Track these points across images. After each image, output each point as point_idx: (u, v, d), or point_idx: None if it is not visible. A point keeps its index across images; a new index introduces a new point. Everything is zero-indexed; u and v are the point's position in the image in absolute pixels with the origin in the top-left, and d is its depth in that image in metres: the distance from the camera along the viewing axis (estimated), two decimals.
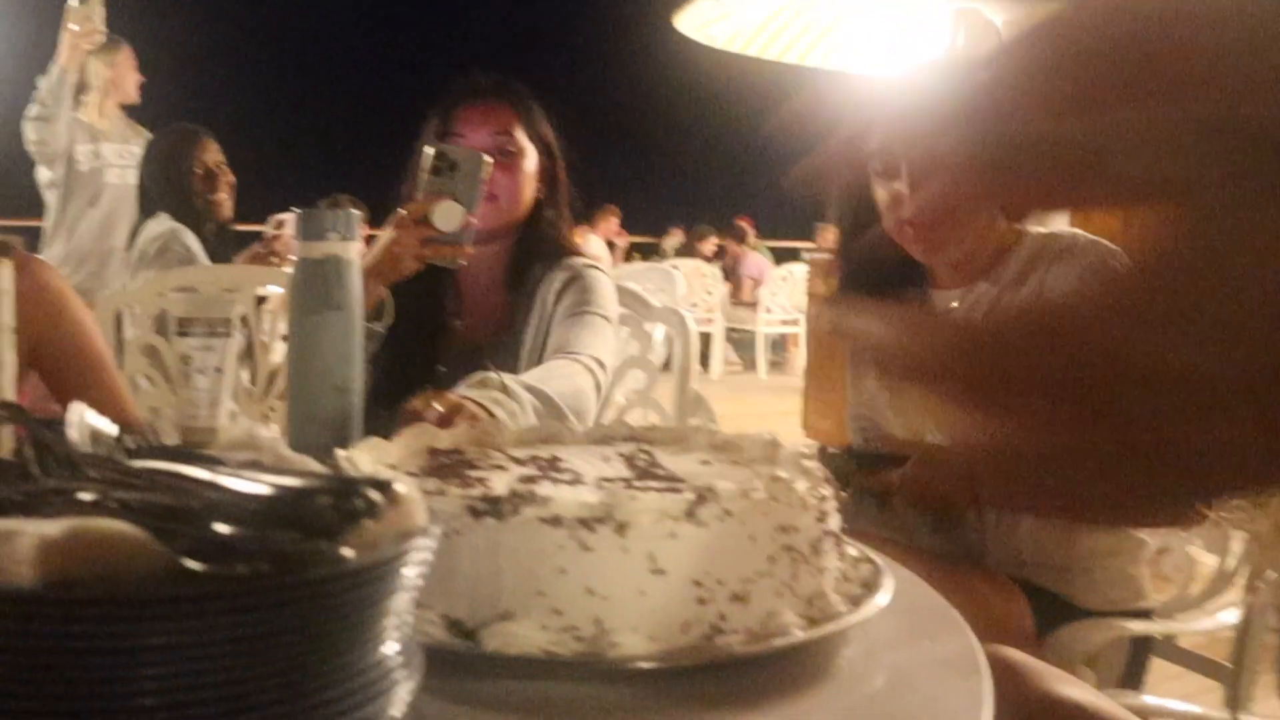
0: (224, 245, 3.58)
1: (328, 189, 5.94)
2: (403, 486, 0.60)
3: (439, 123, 1.92)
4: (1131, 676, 1.67)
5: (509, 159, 1.89)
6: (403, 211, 1.73)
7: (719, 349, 10.83)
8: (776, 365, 10.95)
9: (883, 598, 0.88)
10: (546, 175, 1.97)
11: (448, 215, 1.72)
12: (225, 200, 3.62)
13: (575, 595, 0.77)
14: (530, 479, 0.90)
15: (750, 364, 10.83)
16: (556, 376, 1.74)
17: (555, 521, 0.77)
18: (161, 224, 3.46)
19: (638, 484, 0.87)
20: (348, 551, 0.56)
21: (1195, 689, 2.72)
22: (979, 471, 0.31)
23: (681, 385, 2.55)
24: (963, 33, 6.75)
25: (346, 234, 1.45)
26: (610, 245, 12.87)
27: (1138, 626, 1.58)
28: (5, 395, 1.44)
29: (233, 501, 0.57)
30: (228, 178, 3.65)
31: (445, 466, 0.96)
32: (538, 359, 1.92)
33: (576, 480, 0.91)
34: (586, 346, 1.94)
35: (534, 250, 1.95)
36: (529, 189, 1.93)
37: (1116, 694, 1.52)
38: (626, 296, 2.54)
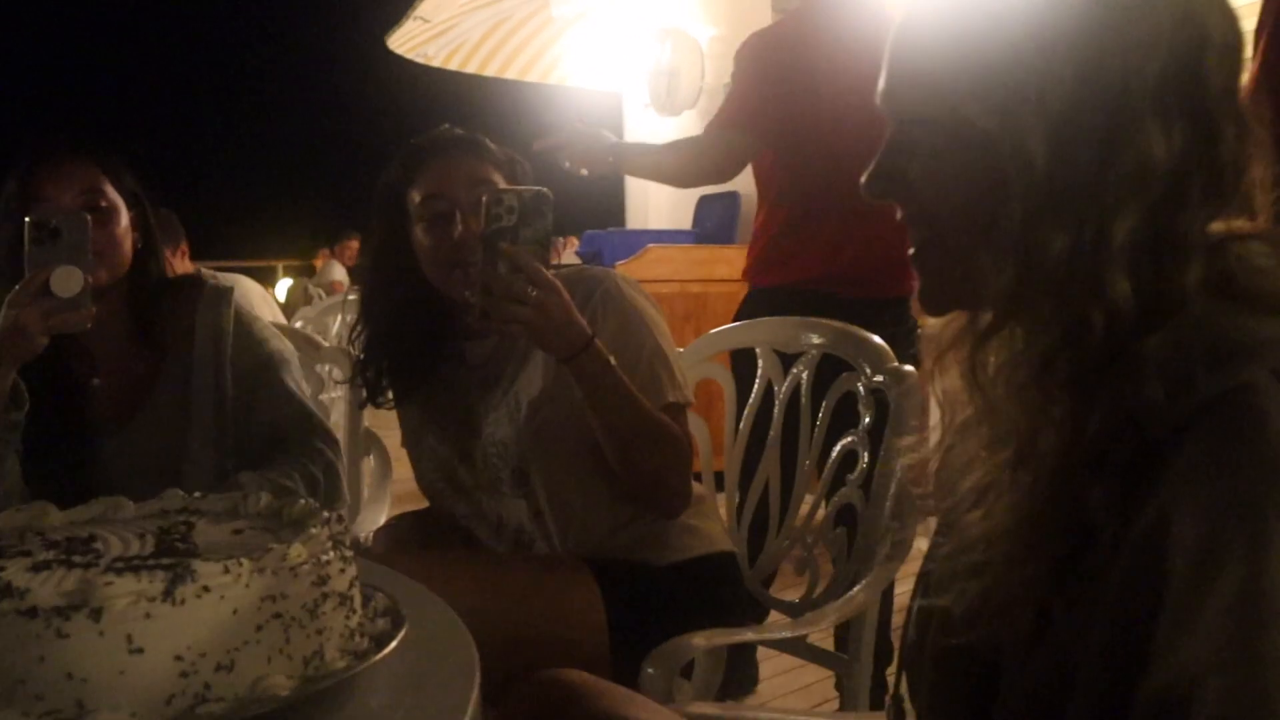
0: None
1: None
2: None
3: (18, 186, 1.86)
4: (734, 682, 1.78)
5: (102, 215, 1.86)
6: (17, 290, 1.68)
7: None
8: None
9: (390, 649, 0.96)
10: (140, 225, 1.95)
11: (66, 281, 1.68)
12: None
13: (55, 680, 0.82)
14: (45, 564, 0.94)
15: None
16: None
17: (32, 612, 0.82)
18: None
19: (129, 567, 0.91)
20: None
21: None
22: None
23: (353, 428, 2.61)
24: (668, 49, 7.00)
25: None
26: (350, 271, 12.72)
27: (711, 637, 1.67)
28: None
29: None
30: None
31: None
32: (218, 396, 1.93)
33: (91, 563, 0.95)
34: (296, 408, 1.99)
35: (150, 299, 1.96)
36: (126, 243, 1.90)
37: (711, 707, 1.62)
38: (297, 339, 2.57)
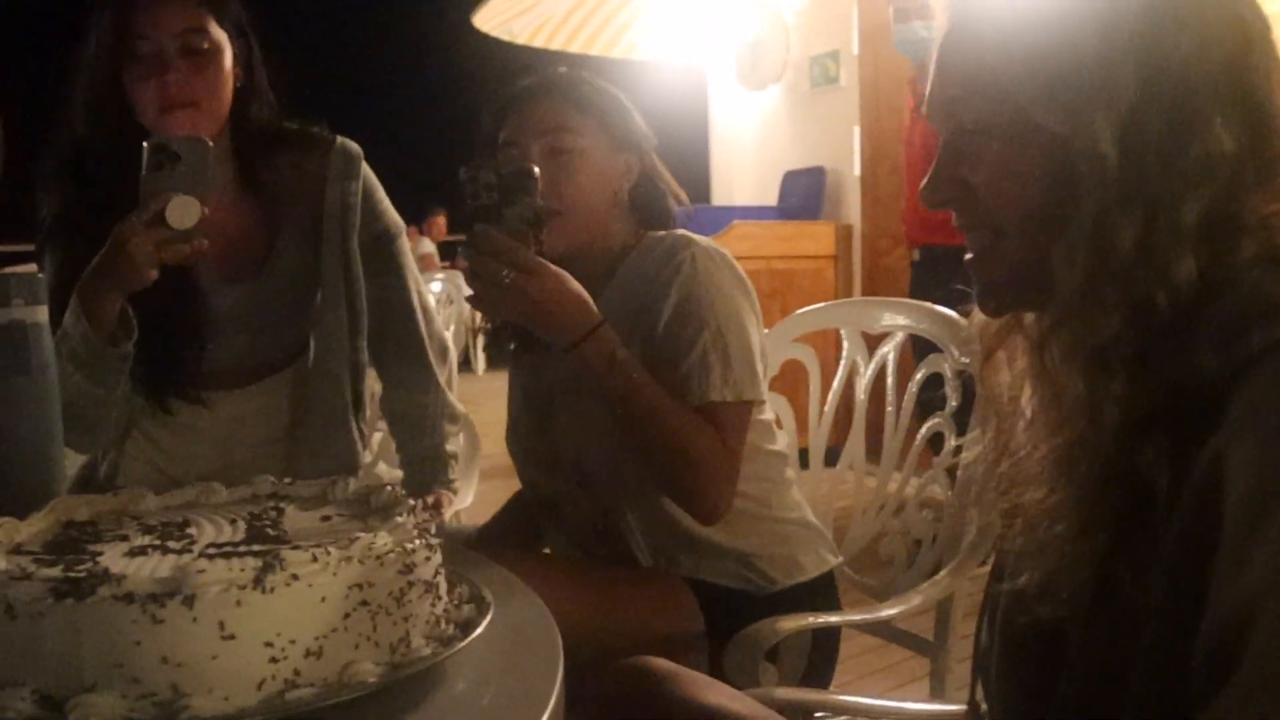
0: None
1: None
2: None
3: (112, 21, 1.74)
4: (818, 668, 1.76)
5: (203, 57, 1.76)
6: (131, 218, 1.57)
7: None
8: None
9: (475, 635, 0.98)
10: (243, 61, 1.85)
11: (183, 212, 1.58)
12: None
13: (151, 664, 0.84)
14: (141, 550, 0.97)
15: None
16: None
17: (128, 598, 0.84)
18: None
19: (221, 554, 0.94)
20: None
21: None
22: None
23: None
24: (752, 23, 6.94)
25: (31, 298, 1.47)
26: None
27: (798, 621, 1.67)
28: None
29: None
30: None
31: (65, 541, 1.02)
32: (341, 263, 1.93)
33: (185, 549, 0.98)
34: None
35: (257, 147, 1.90)
36: (229, 86, 1.82)
37: (795, 691, 1.62)
38: None
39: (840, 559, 1.91)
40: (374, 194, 2.02)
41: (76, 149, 1.81)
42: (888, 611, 1.75)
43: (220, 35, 1.80)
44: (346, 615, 0.90)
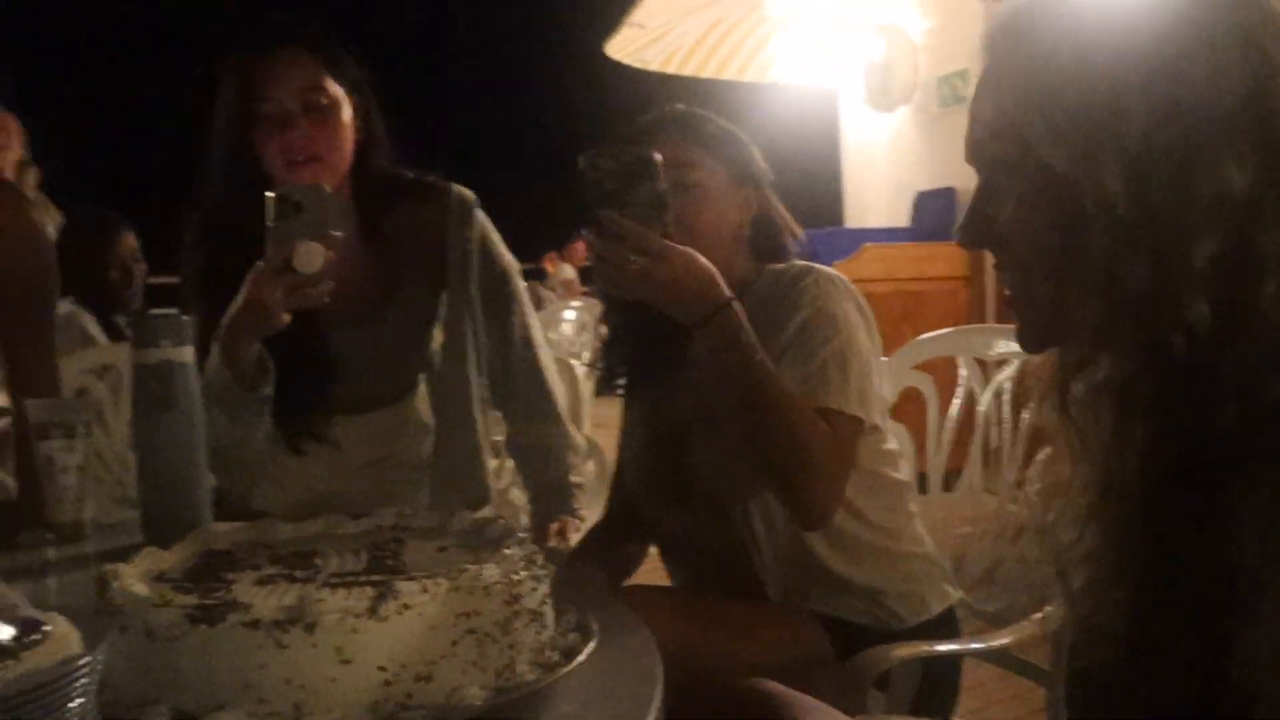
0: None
1: None
2: (60, 626, 0.75)
3: (236, 83, 1.86)
4: (930, 697, 1.75)
5: (323, 113, 1.87)
6: (261, 266, 1.67)
7: None
8: None
9: (578, 662, 1.03)
10: (361, 114, 1.95)
11: (308, 257, 1.67)
12: (137, 296, 3.75)
13: (276, 686, 0.92)
14: (270, 579, 1.05)
15: None
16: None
17: (255, 624, 0.92)
18: (63, 307, 3.60)
19: (342, 583, 1.01)
20: None
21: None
22: None
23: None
24: (882, 44, 6.93)
25: (177, 339, 1.58)
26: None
27: (911, 649, 1.68)
28: None
29: None
30: (142, 270, 3.78)
31: (204, 569, 1.11)
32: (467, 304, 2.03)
33: (310, 578, 1.05)
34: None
35: (378, 196, 2.00)
36: (350, 140, 1.92)
37: None
38: None
39: (960, 593, 1.90)
40: (489, 238, 2.10)
41: (214, 207, 1.93)
42: (998, 641, 1.75)
43: (338, 91, 1.91)
44: (454, 642, 0.97)
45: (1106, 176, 0.84)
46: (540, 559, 1.10)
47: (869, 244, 5.88)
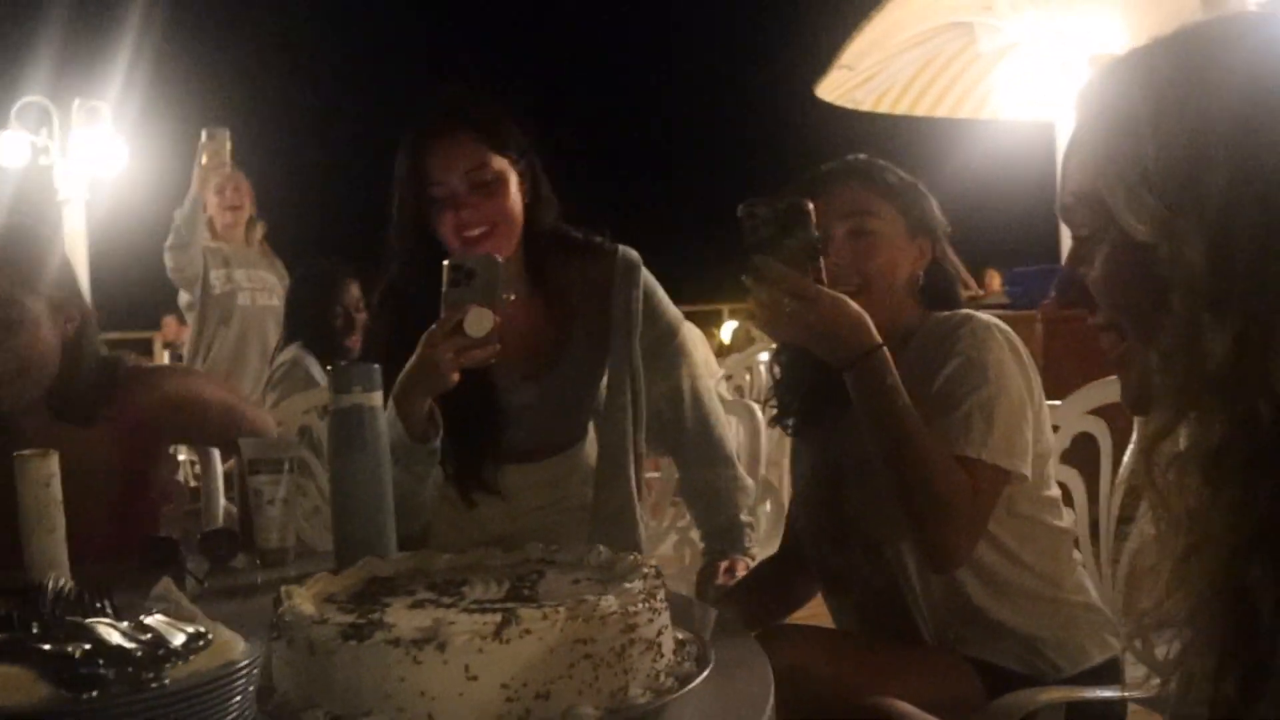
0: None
1: None
2: (222, 634, 0.90)
3: (408, 169, 2.03)
4: None
5: (489, 188, 2.01)
6: (434, 329, 1.81)
7: None
8: None
9: (689, 689, 1.12)
10: (528, 179, 2.08)
11: (479, 321, 1.80)
12: (357, 342, 4.03)
13: (412, 697, 1.04)
14: (420, 603, 1.19)
15: None
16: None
17: (396, 642, 1.05)
18: (291, 351, 3.91)
19: (478, 609, 1.13)
20: (165, 680, 0.85)
21: None
22: None
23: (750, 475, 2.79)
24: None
25: (368, 386, 1.75)
26: None
27: (1059, 693, 1.69)
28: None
29: (100, 651, 0.87)
30: (362, 318, 4.06)
31: (367, 594, 1.25)
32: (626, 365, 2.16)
33: (454, 603, 1.18)
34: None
35: (544, 250, 2.14)
36: (518, 206, 2.06)
37: None
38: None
39: (1123, 644, 1.87)
40: (654, 296, 2.24)
41: (395, 276, 2.12)
42: (1142, 692, 1.74)
43: (502, 164, 2.06)
44: (571, 665, 1.07)
45: (1186, 245, 0.84)
46: (661, 593, 1.20)
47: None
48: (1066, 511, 1.95)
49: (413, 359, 1.85)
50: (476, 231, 2.03)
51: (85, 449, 1.99)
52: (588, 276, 2.19)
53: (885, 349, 1.66)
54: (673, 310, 2.29)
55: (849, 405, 1.81)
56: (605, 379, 2.21)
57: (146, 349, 11.19)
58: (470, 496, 2.15)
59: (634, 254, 2.22)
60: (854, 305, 1.65)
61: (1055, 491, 1.90)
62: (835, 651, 1.79)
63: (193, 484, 2.92)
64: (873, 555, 1.86)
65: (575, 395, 2.21)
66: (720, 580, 2.16)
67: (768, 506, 2.85)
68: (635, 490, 2.23)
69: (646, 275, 2.23)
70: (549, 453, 2.24)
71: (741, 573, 2.20)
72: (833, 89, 7.92)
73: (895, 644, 1.86)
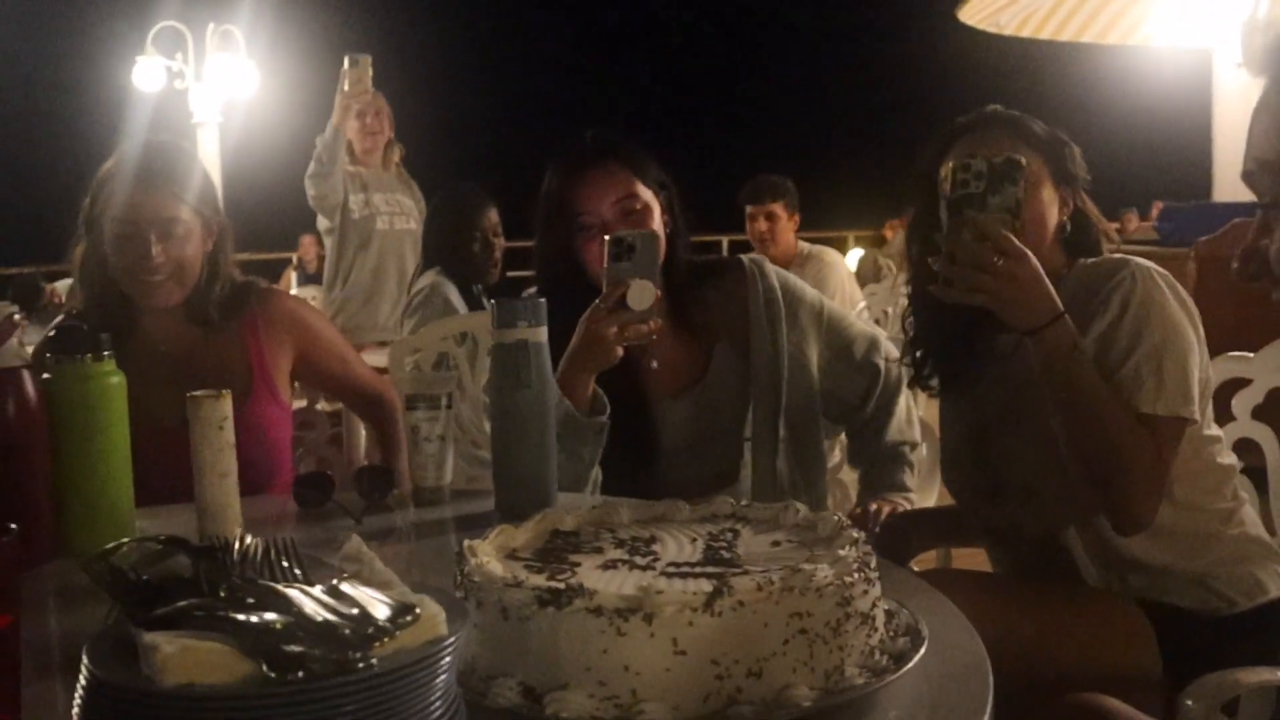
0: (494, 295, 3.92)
1: None
2: (429, 607, 0.82)
3: (556, 200, 2.07)
4: None
5: (636, 216, 2.04)
6: (597, 304, 1.86)
7: None
8: None
9: (907, 669, 1.03)
10: (668, 209, 2.11)
11: (641, 295, 1.84)
12: (495, 267, 3.99)
13: (615, 671, 0.96)
14: (612, 563, 1.10)
15: None
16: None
17: (598, 611, 0.97)
18: (429, 277, 3.86)
19: (679, 573, 1.04)
20: (373, 660, 0.77)
21: None
22: None
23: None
24: (1263, 3, 6.39)
25: (534, 320, 1.69)
26: None
27: (1263, 675, 1.56)
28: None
29: (303, 625, 0.80)
30: (501, 244, 4.02)
31: (553, 550, 1.17)
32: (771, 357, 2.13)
33: (650, 565, 1.10)
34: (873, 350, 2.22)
35: (686, 282, 2.15)
36: (661, 235, 2.06)
37: None
38: None
39: None
40: (787, 281, 2.21)
41: (544, 293, 2.06)
42: None
43: (647, 194, 2.09)
44: (786, 641, 0.98)
45: None
46: (873, 561, 1.10)
47: (1238, 220, 5.45)
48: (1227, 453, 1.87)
49: (575, 336, 1.87)
50: None
51: (214, 350, 2.20)
52: (723, 289, 2.19)
53: (1068, 315, 1.62)
54: (810, 289, 2.26)
55: (991, 362, 1.86)
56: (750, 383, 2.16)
57: (275, 271, 11.39)
58: None
59: (758, 257, 2.26)
60: (1041, 268, 1.61)
61: (1216, 430, 1.84)
62: (1002, 597, 1.77)
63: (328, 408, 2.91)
64: (1030, 505, 1.83)
65: (725, 412, 2.16)
66: (872, 525, 2.08)
67: (924, 450, 2.72)
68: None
69: (773, 267, 2.24)
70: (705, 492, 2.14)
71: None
72: (975, 12, 7.62)
73: (1059, 587, 1.82)
